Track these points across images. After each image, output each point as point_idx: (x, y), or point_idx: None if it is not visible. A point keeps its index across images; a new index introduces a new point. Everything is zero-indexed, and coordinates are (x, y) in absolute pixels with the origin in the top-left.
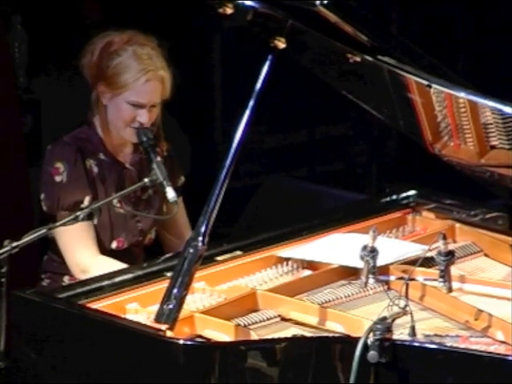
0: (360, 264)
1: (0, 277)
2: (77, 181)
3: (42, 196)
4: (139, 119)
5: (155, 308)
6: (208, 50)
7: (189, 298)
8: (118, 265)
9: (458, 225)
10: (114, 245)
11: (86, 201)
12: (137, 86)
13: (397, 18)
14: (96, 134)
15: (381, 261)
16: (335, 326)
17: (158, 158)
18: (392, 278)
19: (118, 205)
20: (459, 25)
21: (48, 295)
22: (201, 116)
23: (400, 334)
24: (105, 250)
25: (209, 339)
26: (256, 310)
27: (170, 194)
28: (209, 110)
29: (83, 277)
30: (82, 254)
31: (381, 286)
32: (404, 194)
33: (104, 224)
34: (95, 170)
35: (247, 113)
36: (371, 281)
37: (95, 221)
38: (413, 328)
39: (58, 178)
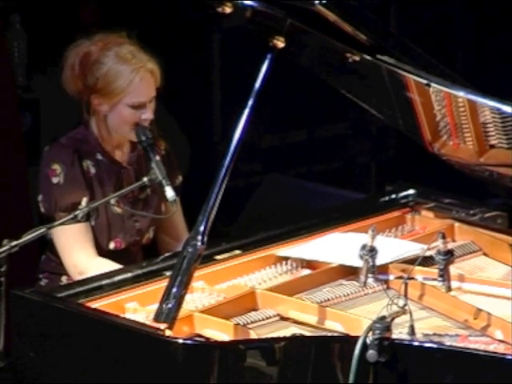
0: (359, 263)
1: None
2: (73, 182)
3: (40, 197)
4: (144, 117)
5: (154, 307)
6: (207, 49)
7: (188, 297)
8: (115, 266)
9: (457, 224)
10: (111, 245)
11: (84, 202)
12: (133, 88)
13: (396, 17)
14: (92, 134)
15: (380, 260)
16: (334, 325)
17: (157, 157)
18: (391, 277)
19: (116, 204)
20: (459, 24)
21: (47, 294)
22: (200, 115)
23: (399, 333)
24: (103, 251)
25: (208, 338)
26: (255, 309)
27: (169, 193)
28: (208, 109)
29: (80, 278)
30: (80, 255)
31: (380, 285)
32: (403, 193)
33: (102, 225)
34: (92, 170)
35: (246, 112)
36: (370, 280)
37: (92, 222)
38: (412, 327)
39: (54, 180)
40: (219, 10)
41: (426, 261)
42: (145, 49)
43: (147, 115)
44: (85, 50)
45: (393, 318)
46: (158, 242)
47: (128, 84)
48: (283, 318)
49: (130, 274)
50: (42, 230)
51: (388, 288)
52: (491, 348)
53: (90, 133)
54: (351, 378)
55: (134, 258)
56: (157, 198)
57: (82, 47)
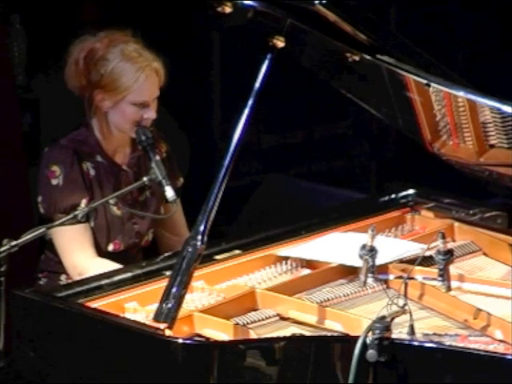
0: (359, 263)
1: None
2: (73, 184)
3: (39, 199)
4: (147, 116)
5: (154, 307)
6: (207, 49)
7: (188, 297)
8: (115, 266)
9: (456, 224)
10: (110, 247)
11: (83, 204)
12: (138, 86)
13: (395, 16)
14: (93, 136)
15: (380, 260)
16: (334, 325)
17: (157, 157)
18: (391, 276)
19: (115, 207)
20: (458, 23)
21: (47, 294)
22: (199, 115)
23: (399, 332)
24: (101, 253)
25: (208, 338)
26: (255, 309)
27: (169, 192)
28: (207, 109)
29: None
30: (79, 256)
31: (380, 284)
32: (403, 193)
33: (101, 226)
34: (92, 172)
35: (246, 111)
36: (370, 280)
37: (92, 223)
38: (412, 327)
39: (54, 181)
40: (219, 9)
41: (426, 261)
42: (148, 48)
43: (150, 114)
44: (90, 45)
45: (392, 318)
46: (157, 238)
47: (133, 82)
48: (283, 318)
49: (129, 274)
50: (41, 230)
51: (388, 288)
52: (491, 348)
53: (90, 134)
54: (351, 378)
55: (132, 260)
56: (155, 200)
57: (87, 43)
